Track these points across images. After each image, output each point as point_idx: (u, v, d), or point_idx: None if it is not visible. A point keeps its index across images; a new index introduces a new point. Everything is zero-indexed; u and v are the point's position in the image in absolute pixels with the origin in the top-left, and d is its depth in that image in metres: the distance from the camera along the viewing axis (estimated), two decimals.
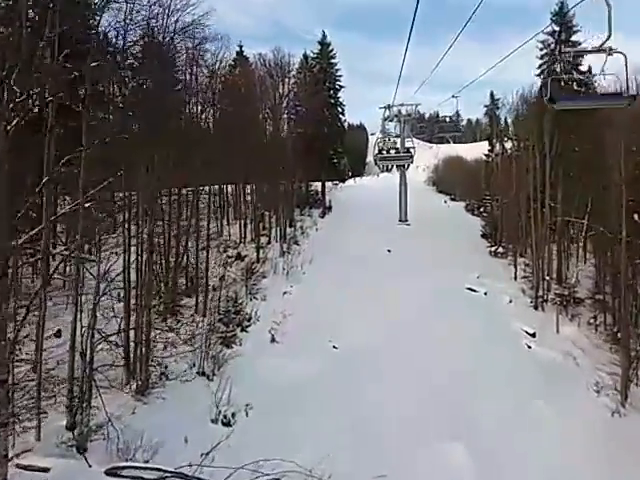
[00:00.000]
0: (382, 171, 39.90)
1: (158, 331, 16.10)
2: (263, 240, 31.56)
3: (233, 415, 14.58)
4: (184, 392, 14.70)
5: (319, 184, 46.26)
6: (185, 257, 21.73)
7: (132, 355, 14.31)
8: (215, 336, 17.98)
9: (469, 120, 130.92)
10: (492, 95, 41.65)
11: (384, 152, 30.39)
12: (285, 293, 24.34)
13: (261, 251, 29.31)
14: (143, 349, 14.28)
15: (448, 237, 38.22)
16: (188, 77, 23.57)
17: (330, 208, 45.21)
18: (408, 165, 34.40)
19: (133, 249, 15.67)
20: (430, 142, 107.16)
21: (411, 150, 34.87)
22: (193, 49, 20.79)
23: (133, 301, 15.11)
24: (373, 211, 44.39)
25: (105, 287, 12.06)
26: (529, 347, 22.95)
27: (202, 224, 24.22)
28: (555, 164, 29.04)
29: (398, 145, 33.39)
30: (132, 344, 14.38)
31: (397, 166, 36.44)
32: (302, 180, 44.16)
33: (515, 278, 30.97)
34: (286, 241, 32.68)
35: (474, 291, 28.31)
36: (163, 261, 19.89)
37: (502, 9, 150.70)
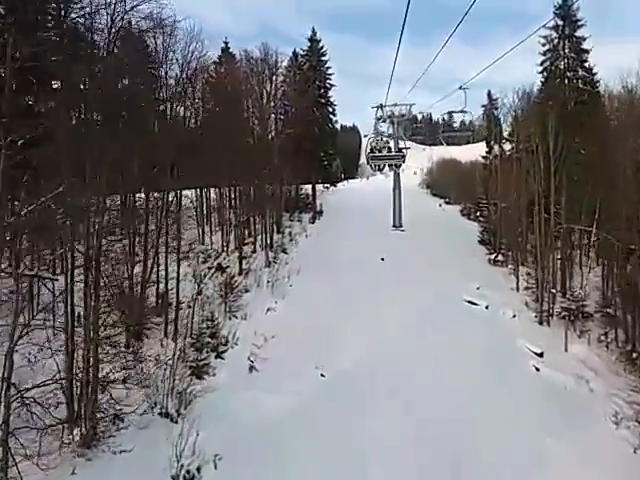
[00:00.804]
0: (374, 171, 37.27)
1: (113, 364, 13.51)
2: (247, 249, 29.04)
3: (199, 469, 12.07)
4: (141, 441, 12.18)
5: (310, 187, 43.81)
6: (155, 271, 19.14)
7: (76, 399, 11.76)
8: (184, 365, 15.42)
9: (462, 122, 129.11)
10: (489, 95, 39.38)
11: (376, 151, 28.18)
12: (269, 310, 21.74)
13: (244, 262, 26.78)
14: (89, 392, 11.73)
15: (445, 243, 35.90)
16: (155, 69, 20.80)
17: (321, 212, 42.76)
18: (399, 165, 32.15)
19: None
20: (424, 144, 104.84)
21: (403, 150, 32.48)
22: (155, 29, 18.08)
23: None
24: (366, 215, 41.95)
25: (24, 326, 9.46)
26: (537, 369, 20.60)
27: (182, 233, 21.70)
28: (559, 167, 26.83)
29: (391, 144, 31.09)
30: (77, 385, 11.84)
31: (389, 165, 34.04)
32: (291, 183, 41.75)
33: (517, 289, 28.65)
34: (273, 249, 30.17)
35: (474, 304, 25.95)
36: (127, 277, 17.30)
37: (500, 14, 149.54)
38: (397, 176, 36.72)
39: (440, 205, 50.74)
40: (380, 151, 28.27)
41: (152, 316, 18.21)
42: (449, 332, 21.62)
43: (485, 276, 30.27)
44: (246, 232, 31.65)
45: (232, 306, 20.85)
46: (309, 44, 41.01)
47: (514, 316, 24.89)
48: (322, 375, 17.19)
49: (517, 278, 28.92)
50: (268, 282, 24.50)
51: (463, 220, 45.80)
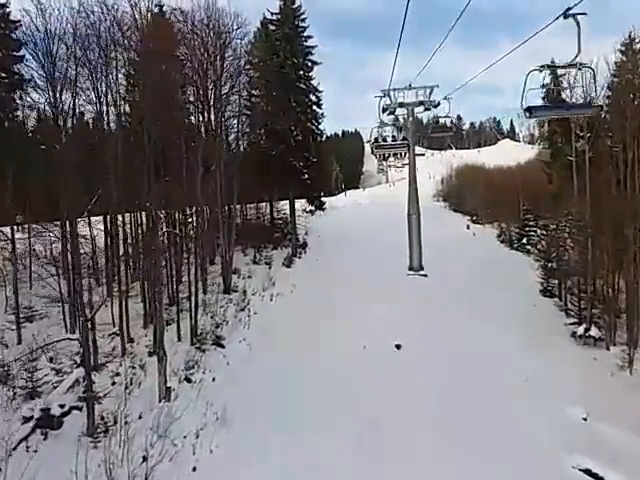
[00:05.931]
0: (380, 160, 24.95)
1: None
2: (143, 348, 14.60)
3: None
4: None
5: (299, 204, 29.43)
6: None
7: None
8: None
9: (472, 124, 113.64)
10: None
11: (380, 140, 15.81)
12: None
13: (127, 392, 12.41)
14: None
15: (491, 300, 21.46)
16: None
17: (304, 246, 28.36)
18: (404, 154, 20.18)
19: None
20: (431, 148, 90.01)
21: (407, 139, 19.05)
22: None
23: None
24: (368, 249, 27.60)
25: None
26: None
27: None
28: None
29: (395, 133, 18.69)
30: None
31: (394, 155, 21.71)
32: (259, 200, 27.74)
33: None
34: (197, 337, 15.69)
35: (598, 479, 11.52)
36: None
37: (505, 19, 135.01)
38: (413, 191, 22.14)
39: (468, 227, 36.05)
40: (384, 140, 16.73)
41: None
42: None
43: (584, 380, 15.68)
44: (170, 295, 17.37)
45: None
46: (281, 5, 26.58)
47: None
48: None
49: None
50: (144, 460, 10.06)
51: (505, 251, 31.12)
